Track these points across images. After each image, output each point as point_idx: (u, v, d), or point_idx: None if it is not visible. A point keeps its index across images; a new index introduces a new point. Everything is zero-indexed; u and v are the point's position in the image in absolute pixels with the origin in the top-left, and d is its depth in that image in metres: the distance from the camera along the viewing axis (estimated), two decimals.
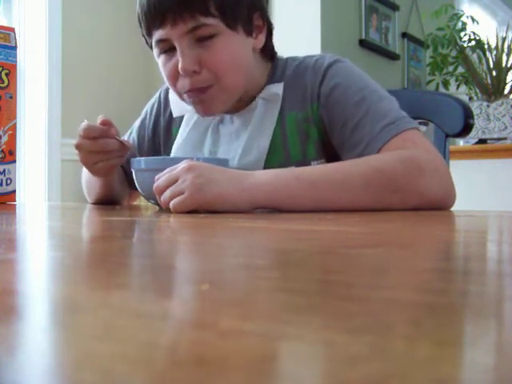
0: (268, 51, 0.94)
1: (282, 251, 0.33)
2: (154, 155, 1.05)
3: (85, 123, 0.85)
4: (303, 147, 0.89)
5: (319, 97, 0.88)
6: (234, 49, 0.86)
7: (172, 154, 0.99)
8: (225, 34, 0.84)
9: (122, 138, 0.89)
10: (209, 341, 0.14)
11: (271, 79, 0.94)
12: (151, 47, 0.90)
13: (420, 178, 0.74)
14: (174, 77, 0.87)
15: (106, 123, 0.85)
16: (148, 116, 1.08)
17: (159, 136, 1.06)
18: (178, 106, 0.99)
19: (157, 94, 1.08)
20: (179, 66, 0.83)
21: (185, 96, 0.88)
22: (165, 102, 1.05)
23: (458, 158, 2.03)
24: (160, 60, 0.88)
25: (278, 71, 0.94)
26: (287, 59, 0.96)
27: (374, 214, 0.65)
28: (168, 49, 0.86)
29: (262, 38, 0.91)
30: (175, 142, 1.00)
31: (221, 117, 0.95)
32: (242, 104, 0.93)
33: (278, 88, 0.92)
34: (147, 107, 1.10)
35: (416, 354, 0.13)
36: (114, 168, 0.92)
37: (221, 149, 0.94)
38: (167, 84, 0.91)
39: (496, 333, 0.15)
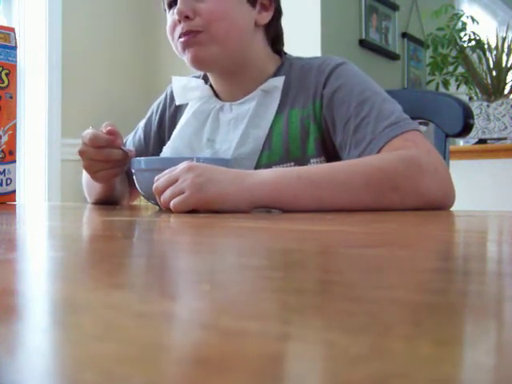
0: (272, 35, 0.98)
1: (283, 251, 0.33)
2: (160, 148, 1.06)
3: (90, 131, 0.86)
4: (303, 144, 0.90)
5: (322, 97, 0.89)
6: (227, 4, 0.91)
7: (171, 141, 0.99)
8: None
9: (126, 148, 0.89)
10: (209, 341, 0.14)
11: (276, 75, 0.96)
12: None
13: (420, 179, 0.74)
14: (173, 27, 0.92)
15: (113, 133, 0.86)
16: (154, 113, 1.10)
17: (164, 130, 1.08)
18: (182, 94, 1.02)
19: (164, 92, 1.11)
20: (175, 10, 0.89)
21: (179, 44, 0.91)
22: (170, 98, 1.08)
23: (458, 158, 2.03)
24: (168, 16, 0.95)
25: (285, 68, 0.96)
26: (294, 58, 0.98)
27: (375, 214, 0.65)
28: (174, 4, 0.92)
29: (266, 16, 0.95)
30: (176, 128, 1.01)
31: (221, 105, 0.97)
32: (242, 93, 0.95)
33: (278, 81, 0.94)
34: (153, 106, 1.12)
35: (416, 354, 0.13)
36: (116, 176, 0.92)
37: (218, 137, 0.95)
38: (170, 39, 0.94)
39: (496, 333, 0.15)
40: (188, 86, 1.01)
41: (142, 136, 1.10)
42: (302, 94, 0.92)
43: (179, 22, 0.89)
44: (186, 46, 0.90)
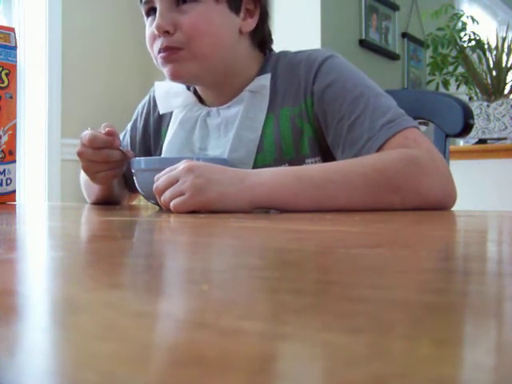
0: (258, 39, 0.93)
1: (282, 251, 0.33)
2: (145, 155, 1.05)
3: (89, 132, 0.85)
4: (297, 144, 0.87)
5: (313, 94, 0.86)
6: (210, 18, 0.86)
7: (163, 154, 0.98)
8: (205, 3, 0.85)
9: (125, 149, 0.89)
10: (209, 341, 0.14)
11: (261, 73, 0.92)
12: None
13: (421, 179, 0.73)
14: (152, 39, 0.88)
15: (111, 134, 0.85)
16: (139, 117, 1.08)
17: (149, 136, 1.06)
18: (165, 103, 0.99)
19: (147, 95, 1.08)
20: (154, 24, 0.84)
21: (159, 58, 0.87)
22: (154, 102, 1.04)
23: (457, 158, 2.03)
24: (146, 23, 0.90)
25: (270, 65, 0.92)
26: (279, 53, 0.94)
27: (374, 214, 0.65)
28: (152, 12, 0.87)
29: (251, 23, 0.90)
30: (165, 140, 0.99)
31: (207, 111, 0.94)
32: (228, 97, 0.92)
33: (265, 79, 0.90)
34: (138, 107, 1.10)
35: (416, 354, 0.13)
36: (115, 178, 0.92)
37: (210, 145, 0.92)
38: (148, 48, 0.91)
39: (496, 333, 0.15)
40: (170, 92, 0.98)
41: (129, 140, 1.08)
42: (291, 92, 0.88)
43: (158, 36, 0.85)
44: (165, 62, 0.86)
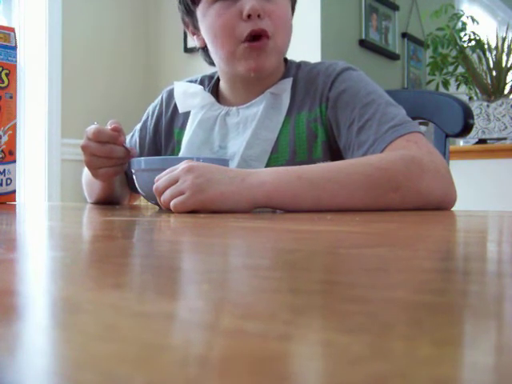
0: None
1: (283, 251, 0.33)
2: (155, 155, 1.06)
3: (95, 126, 0.86)
4: (310, 147, 0.90)
5: (328, 99, 0.90)
6: (289, 11, 0.92)
7: (181, 153, 0.99)
8: None
9: (129, 146, 0.89)
10: (209, 341, 0.14)
11: (284, 77, 0.96)
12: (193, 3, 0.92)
13: (421, 179, 0.74)
14: (233, 23, 0.87)
15: (117, 130, 0.85)
16: (149, 117, 1.09)
17: (160, 137, 1.07)
18: (183, 103, 1.00)
19: (159, 97, 1.09)
20: (248, 6, 0.85)
21: (245, 47, 0.87)
22: (166, 104, 1.06)
23: (458, 158, 2.03)
24: (213, 10, 0.88)
25: (292, 72, 0.96)
26: (300, 62, 0.98)
27: (374, 214, 0.65)
28: None
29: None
30: (183, 140, 1.00)
31: (227, 110, 0.96)
32: (253, 96, 0.95)
33: (286, 83, 0.94)
34: (149, 109, 1.11)
35: (416, 354, 0.13)
36: (117, 174, 0.92)
37: (229, 143, 0.94)
38: (222, 37, 0.89)
39: (496, 333, 0.15)
40: (188, 92, 1.00)
41: (138, 140, 1.09)
42: (308, 98, 0.92)
43: (247, 18, 0.86)
44: (253, 53, 0.87)
